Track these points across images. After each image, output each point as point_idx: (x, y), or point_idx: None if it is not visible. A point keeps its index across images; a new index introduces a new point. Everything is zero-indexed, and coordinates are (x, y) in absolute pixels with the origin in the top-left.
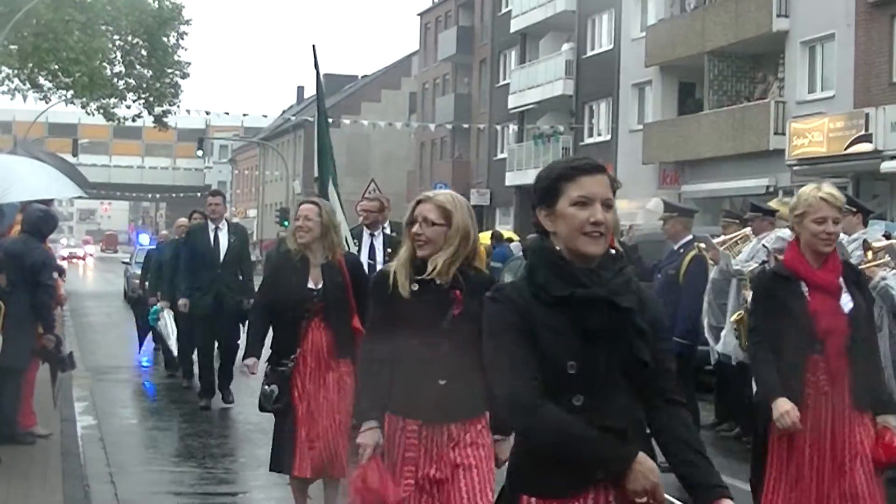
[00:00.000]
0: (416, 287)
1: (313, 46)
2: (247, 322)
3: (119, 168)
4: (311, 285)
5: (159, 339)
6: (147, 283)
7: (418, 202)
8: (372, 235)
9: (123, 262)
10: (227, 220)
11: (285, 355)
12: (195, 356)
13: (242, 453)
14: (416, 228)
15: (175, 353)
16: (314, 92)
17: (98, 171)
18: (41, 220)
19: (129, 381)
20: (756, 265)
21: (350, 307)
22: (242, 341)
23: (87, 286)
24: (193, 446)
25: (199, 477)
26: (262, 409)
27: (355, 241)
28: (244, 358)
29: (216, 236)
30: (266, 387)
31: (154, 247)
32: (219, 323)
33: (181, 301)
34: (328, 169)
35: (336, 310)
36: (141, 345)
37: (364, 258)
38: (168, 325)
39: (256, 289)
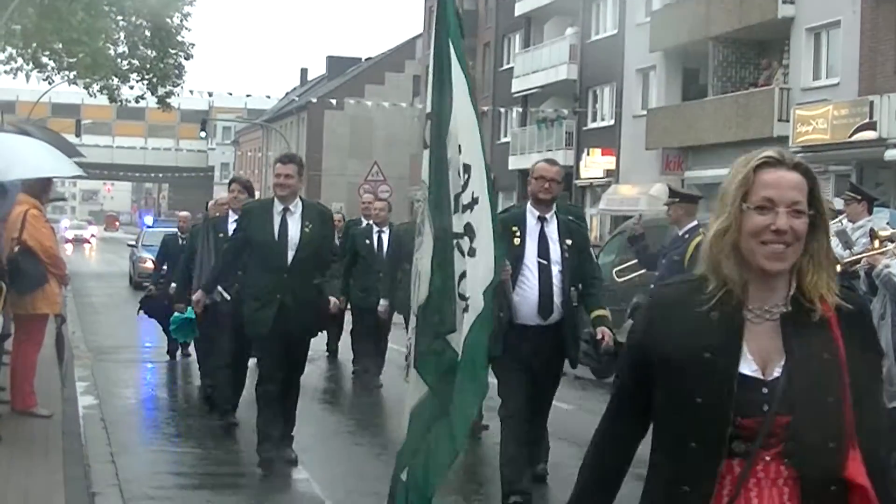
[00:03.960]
0: None
1: None
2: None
3: (122, 149)
4: (751, 370)
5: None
6: (163, 273)
7: None
8: (542, 220)
9: (129, 245)
10: (301, 200)
11: None
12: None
13: (244, 434)
14: None
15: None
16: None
17: (101, 152)
18: None
19: (130, 361)
20: None
21: (845, 428)
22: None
23: (89, 267)
24: (194, 427)
25: (200, 457)
26: None
27: (515, 228)
28: None
29: (284, 222)
30: None
31: (176, 232)
32: (282, 350)
33: (197, 295)
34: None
35: (818, 433)
36: (172, 349)
37: (531, 254)
38: None
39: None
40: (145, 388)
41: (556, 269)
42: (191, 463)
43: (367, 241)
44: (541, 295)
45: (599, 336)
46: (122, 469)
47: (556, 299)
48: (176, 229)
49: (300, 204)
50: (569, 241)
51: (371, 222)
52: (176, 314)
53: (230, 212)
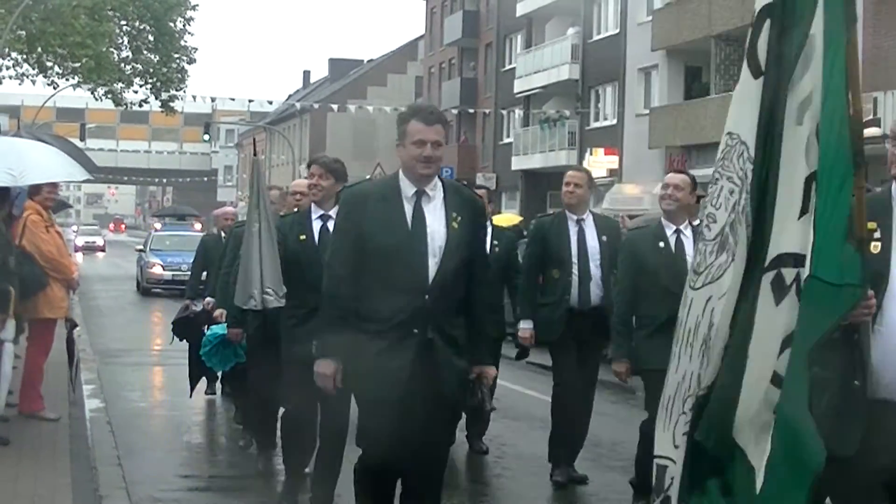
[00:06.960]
0: None
1: None
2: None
3: (126, 152)
4: None
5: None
6: (204, 292)
7: None
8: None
9: (137, 250)
10: (443, 183)
11: None
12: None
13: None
14: None
15: None
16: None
17: (105, 156)
18: None
19: (136, 364)
20: None
21: None
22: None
23: (95, 270)
24: (201, 429)
25: (206, 460)
26: None
27: (873, 225)
28: None
29: (419, 213)
30: None
31: (219, 233)
32: (417, 408)
33: (321, 363)
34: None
35: None
36: (194, 383)
37: None
38: None
39: None
40: (151, 390)
41: None
42: (197, 466)
43: None
44: None
45: None
46: (128, 472)
47: None
48: (195, 231)
49: (440, 186)
50: None
51: None
52: (209, 333)
53: (312, 206)
